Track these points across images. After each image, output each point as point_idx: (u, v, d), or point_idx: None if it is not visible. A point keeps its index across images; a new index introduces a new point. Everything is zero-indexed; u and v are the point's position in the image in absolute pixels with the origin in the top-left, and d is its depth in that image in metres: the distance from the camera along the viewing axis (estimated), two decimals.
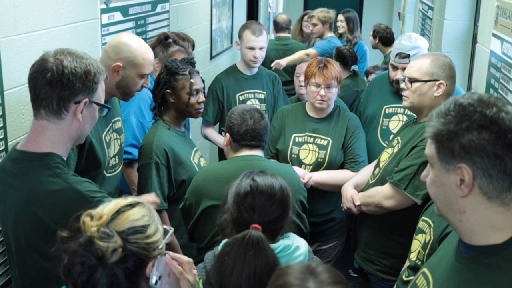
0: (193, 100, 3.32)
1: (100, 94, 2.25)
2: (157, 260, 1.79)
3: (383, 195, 3.16)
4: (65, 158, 2.23)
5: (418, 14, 7.75)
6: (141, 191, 3.24)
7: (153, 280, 1.78)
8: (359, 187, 3.44)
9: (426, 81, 3.08)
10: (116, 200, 1.84)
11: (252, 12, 8.95)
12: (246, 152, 2.95)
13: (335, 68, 3.72)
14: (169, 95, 3.31)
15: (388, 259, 3.22)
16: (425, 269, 1.86)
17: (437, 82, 3.07)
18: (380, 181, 3.23)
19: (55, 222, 2.06)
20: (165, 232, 1.87)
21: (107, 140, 2.95)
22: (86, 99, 2.17)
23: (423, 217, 2.71)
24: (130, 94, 3.07)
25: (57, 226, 2.06)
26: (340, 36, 7.51)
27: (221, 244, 2.23)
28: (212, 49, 6.59)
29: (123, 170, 3.74)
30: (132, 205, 1.81)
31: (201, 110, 3.43)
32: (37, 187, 2.13)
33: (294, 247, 2.25)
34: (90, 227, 1.71)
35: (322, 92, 3.66)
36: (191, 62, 3.40)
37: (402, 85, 3.17)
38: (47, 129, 2.17)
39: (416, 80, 3.09)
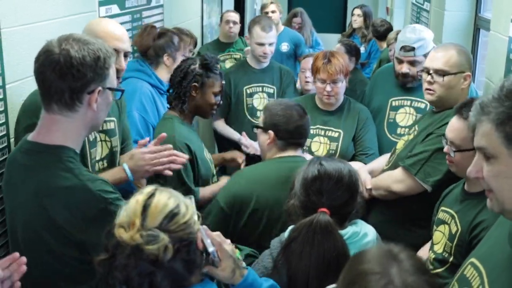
0: (215, 100, 3.24)
1: (113, 78, 2.12)
2: (201, 230, 1.79)
3: (394, 178, 3.09)
4: (78, 151, 2.10)
5: (411, 7, 7.68)
6: None
7: (211, 248, 1.80)
8: (374, 173, 3.36)
9: (455, 74, 3.02)
10: (134, 199, 1.76)
11: (239, 9, 8.86)
12: (291, 152, 2.84)
13: (339, 61, 3.60)
14: (195, 89, 3.18)
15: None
16: (473, 259, 1.74)
17: (464, 74, 3.03)
18: (393, 167, 3.17)
19: (63, 218, 1.99)
20: None
21: (90, 139, 2.71)
22: (100, 88, 2.04)
23: (442, 208, 2.63)
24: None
25: (64, 223, 1.99)
26: (353, 31, 7.36)
27: (288, 230, 2.20)
28: (203, 44, 6.47)
29: None
30: (152, 195, 1.76)
31: (214, 112, 3.36)
32: (48, 180, 2.00)
33: (362, 234, 2.21)
34: (131, 236, 1.67)
35: (328, 88, 3.57)
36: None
37: (428, 78, 3.07)
38: (60, 122, 2.03)
39: (446, 73, 3.01)
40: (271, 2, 6.64)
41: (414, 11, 7.29)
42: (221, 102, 3.32)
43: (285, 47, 6.23)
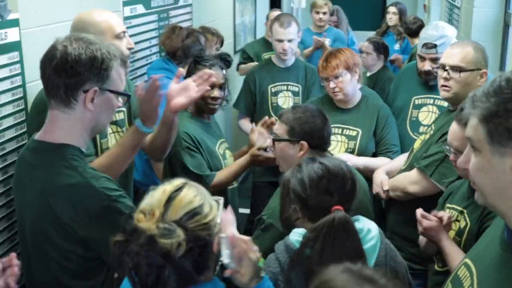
0: (208, 93, 3.07)
1: (117, 81, 2.10)
2: (222, 238, 1.78)
3: (409, 180, 3.10)
4: (83, 150, 2.12)
5: (444, 4, 7.60)
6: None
7: (226, 259, 1.80)
8: (391, 174, 3.36)
9: (472, 70, 3.00)
10: (162, 188, 1.78)
11: (274, 7, 8.87)
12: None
13: (337, 57, 3.58)
14: None
15: (414, 247, 3.12)
16: (466, 260, 1.74)
17: (480, 71, 3.01)
18: (410, 168, 3.17)
19: (68, 216, 2.00)
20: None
21: None
22: (95, 88, 2.03)
23: (448, 205, 2.64)
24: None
25: (69, 221, 2.00)
26: (387, 28, 7.33)
27: (294, 233, 2.17)
28: (236, 43, 6.54)
29: (153, 164, 3.68)
30: (180, 188, 1.77)
31: (214, 107, 3.26)
32: (53, 179, 2.03)
33: (366, 230, 2.19)
34: (148, 226, 1.67)
35: (331, 84, 3.56)
36: (226, 60, 3.28)
37: (444, 74, 3.05)
38: (59, 119, 2.07)
39: (463, 70, 3.00)
40: (325, 4, 6.53)
41: (448, 8, 7.22)
42: (217, 94, 3.23)
43: (327, 42, 6.25)
